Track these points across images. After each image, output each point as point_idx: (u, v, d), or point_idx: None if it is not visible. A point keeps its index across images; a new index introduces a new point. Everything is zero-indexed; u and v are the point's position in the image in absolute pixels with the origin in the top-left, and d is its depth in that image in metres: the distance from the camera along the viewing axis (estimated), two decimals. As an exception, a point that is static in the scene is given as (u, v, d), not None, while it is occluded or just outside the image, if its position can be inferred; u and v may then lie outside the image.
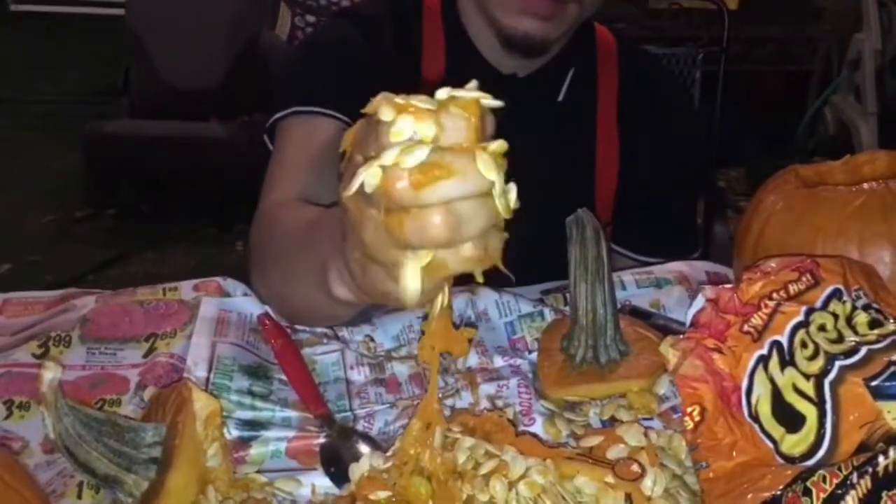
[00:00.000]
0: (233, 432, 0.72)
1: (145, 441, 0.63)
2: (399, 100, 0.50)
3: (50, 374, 0.58)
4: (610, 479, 0.61)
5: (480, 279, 0.53)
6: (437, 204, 0.48)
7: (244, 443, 0.71)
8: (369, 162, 0.49)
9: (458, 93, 0.51)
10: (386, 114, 0.49)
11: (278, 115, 1.03)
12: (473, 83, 0.52)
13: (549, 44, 1.02)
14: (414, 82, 1.06)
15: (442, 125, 0.49)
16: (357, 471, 0.64)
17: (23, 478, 0.57)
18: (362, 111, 0.53)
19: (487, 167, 0.49)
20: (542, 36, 1.00)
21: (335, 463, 0.68)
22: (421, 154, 0.47)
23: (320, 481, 0.67)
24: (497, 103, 0.52)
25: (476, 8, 1.04)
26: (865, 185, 0.77)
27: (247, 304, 0.87)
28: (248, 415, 0.74)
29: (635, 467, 0.62)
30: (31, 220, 3.28)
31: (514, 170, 1.16)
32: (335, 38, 1.08)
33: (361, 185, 0.49)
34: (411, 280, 0.50)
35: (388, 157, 0.48)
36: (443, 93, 0.51)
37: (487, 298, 0.88)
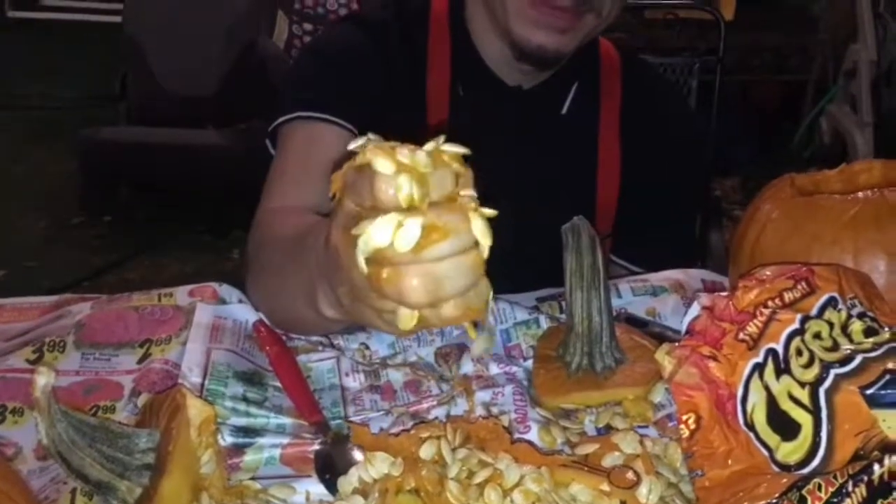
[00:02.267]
0: (227, 439, 0.71)
1: (139, 447, 0.63)
2: (388, 148, 0.50)
3: (43, 379, 0.58)
4: (605, 486, 0.61)
5: (473, 335, 0.54)
6: (417, 265, 0.48)
7: (238, 449, 0.71)
8: (363, 223, 0.49)
9: (445, 146, 0.52)
10: (382, 166, 0.49)
11: (282, 119, 1.03)
12: (441, 137, 0.53)
13: (563, 56, 1.02)
14: (418, 91, 1.06)
15: (432, 183, 0.50)
16: (346, 484, 0.64)
17: (15, 484, 0.56)
18: (349, 149, 0.52)
19: (483, 232, 0.50)
20: (555, 49, 0.99)
21: (330, 470, 0.68)
22: (415, 231, 0.48)
23: (315, 488, 0.67)
24: (464, 150, 0.53)
25: (487, 18, 1.03)
26: (861, 194, 0.78)
27: (242, 311, 0.87)
28: (242, 421, 0.73)
29: (630, 475, 0.62)
30: (27, 226, 3.28)
31: (516, 180, 1.17)
32: (340, 43, 1.08)
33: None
34: (401, 323, 0.51)
35: (383, 234, 0.48)
36: (430, 146, 0.52)
37: (483, 306, 0.88)
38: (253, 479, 0.68)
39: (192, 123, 3.21)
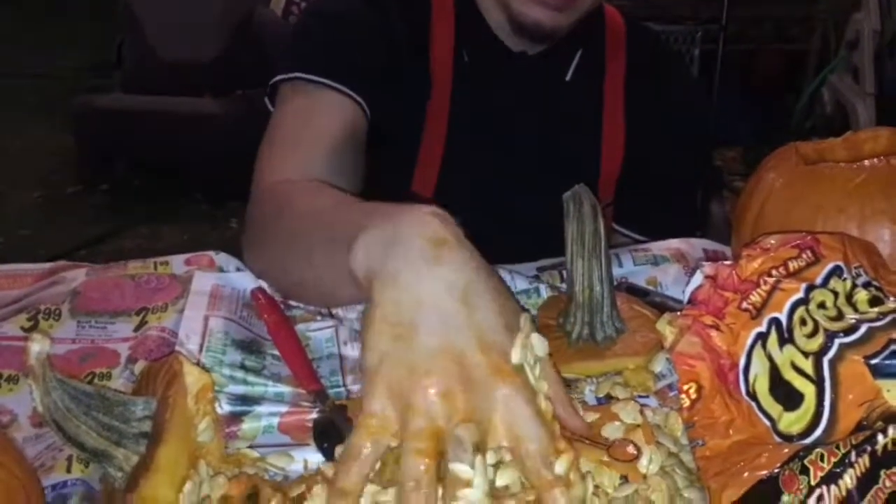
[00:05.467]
0: (224, 407, 0.71)
1: (135, 415, 0.62)
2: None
3: (37, 346, 0.57)
4: (605, 459, 0.61)
5: None
6: None
7: (236, 418, 0.70)
8: None
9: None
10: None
11: (282, 76, 1.01)
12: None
13: (560, 32, 1.01)
14: (422, 57, 1.05)
15: None
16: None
17: (10, 452, 0.56)
18: None
19: None
20: (552, 25, 0.99)
21: (328, 439, 0.67)
22: None
23: (313, 457, 0.66)
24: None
25: None
26: (866, 163, 0.77)
27: (240, 280, 0.86)
28: (240, 389, 0.73)
29: (631, 448, 0.61)
30: (23, 196, 3.26)
31: (519, 147, 1.16)
32: (344, 8, 1.06)
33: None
34: None
35: None
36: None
37: (483, 275, 0.87)
38: (251, 447, 0.68)
39: (189, 91, 3.18)
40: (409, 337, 0.56)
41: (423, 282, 0.58)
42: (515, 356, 0.57)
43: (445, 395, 0.54)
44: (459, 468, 0.54)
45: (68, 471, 0.63)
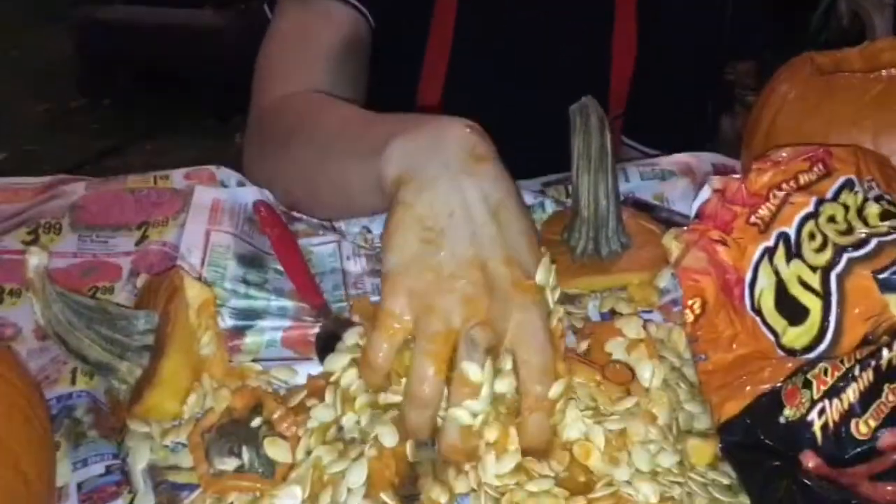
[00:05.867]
0: (227, 321, 0.71)
1: (137, 329, 0.63)
2: None
3: (35, 259, 0.57)
4: (598, 378, 0.60)
5: None
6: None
7: (239, 332, 0.70)
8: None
9: None
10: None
11: None
12: None
13: None
14: None
15: None
16: (337, 363, 0.63)
17: (13, 366, 0.56)
18: None
19: None
20: None
21: (330, 353, 0.67)
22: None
23: (316, 370, 0.66)
24: None
25: None
26: (883, 73, 0.74)
27: (242, 194, 0.85)
28: (242, 304, 0.73)
29: (625, 371, 0.61)
30: (27, 110, 3.23)
31: (529, 55, 1.13)
32: None
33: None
34: None
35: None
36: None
37: (487, 189, 0.86)
38: (254, 361, 0.68)
39: (190, 3, 3.11)
40: (438, 242, 0.57)
41: (460, 191, 0.59)
42: (540, 276, 0.59)
43: (468, 300, 0.56)
44: (468, 367, 0.55)
45: (73, 383, 0.64)
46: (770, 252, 0.61)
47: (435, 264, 0.57)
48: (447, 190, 0.59)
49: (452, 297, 0.56)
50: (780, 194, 0.62)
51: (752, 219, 0.63)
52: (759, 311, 0.61)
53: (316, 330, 0.71)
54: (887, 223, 0.59)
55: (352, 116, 0.79)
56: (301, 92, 0.90)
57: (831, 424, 0.51)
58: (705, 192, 0.67)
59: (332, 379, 0.62)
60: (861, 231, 0.59)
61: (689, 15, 1.09)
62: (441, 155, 0.61)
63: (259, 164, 0.90)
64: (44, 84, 3.39)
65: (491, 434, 0.56)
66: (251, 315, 0.72)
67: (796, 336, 0.58)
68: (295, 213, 0.84)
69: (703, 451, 0.58)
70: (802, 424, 0.52)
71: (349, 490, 0.55)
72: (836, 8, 3.61)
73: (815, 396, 0.52)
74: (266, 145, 0.90)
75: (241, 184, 0.87)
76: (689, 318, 0.64)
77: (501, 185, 0.60)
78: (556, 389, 0.56)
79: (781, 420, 0.53)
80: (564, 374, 0.58)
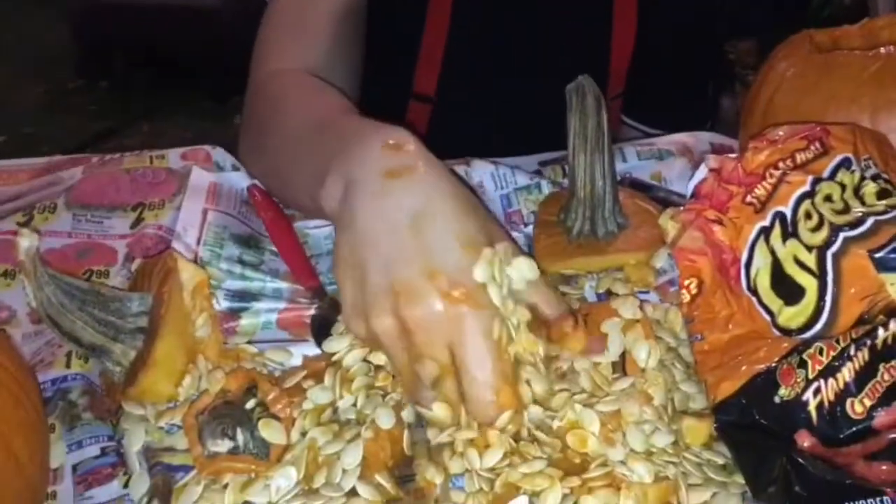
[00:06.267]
0: (222, 303, 0.71)
1: (131, 311, 0.62)
2: None
3: (26, 241, 0.56)
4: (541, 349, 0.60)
5: None
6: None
7: (234, 314, 0.70)
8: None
9: None
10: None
11: None
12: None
13: None
14: None
15: None
16: (338, 344, 0.63)
17: (4, 349, 0.56)
18: None
19: None
20: None
21: (326, 334, 0.67)
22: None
23: (311, 352, 0.66)
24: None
25: None
26: (883, 50, 0.73)
27: (237, 178, 0.85)
28: (238, 285, 0.72)
29: (568, 324, 0.60)
30: (25, 92, 3.22)
31: (528, 34, 1.11)
32: None
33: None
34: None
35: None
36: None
37: (483, 171, 0.86)
38: (249, 343, 0.68)
39: (187, -17, 3.09)
40: (362, 279, 0.56)
41: (371, 219, 0.57)
42: (477, 273, 0.55)
43: (397, 335, 0.55)
44: (425, 412, 0.57)
45: (68, 366, 0.64)
46: (766, 232, 0.61)
47: (364, 304, 0.56)
48: (359, 222, 0.57)
49: (383, 337, 0.56)
50: (777, 173, 0.62)
51: (749, 198, 0.62)
52: (755, 291, 0.61)
53: (311, 312, 0.71)
54: (884, 202, 0.59)
55: (309, 121, 0.76)
56: (286, 71, 0.90)
57: (826, 404, 0.51)
58: (701, 172, 0.66)
59: (335, 359, 0.62)
60: (858, 210, 0.58)
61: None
62: (352, 187, 0.59)
63: (245, 143, 0.89)
64: (41, 66, 3.37)
65: (470, 433, 0.56)
66: (246, 297, 0.72)
67: (792, 316, 0.58)
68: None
69: (698, 431, 0.58)
70: (798, 404, 0.52)
71: (344, 471, 0.55)
72: (839, -15, 3.58)
73: (811, 376, 0.52)
74: (250, 126, 0.89)
75: (235, 167, 0.86)
76: (686, 298, 0.63)
77: (418, 193, 0.57)
78: (502, 420, 0.56)
79: (777, 400, 0.53)
80: (510, 398, 0.56)
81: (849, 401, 0.50)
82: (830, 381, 0.51)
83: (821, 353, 0.53)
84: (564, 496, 0.53)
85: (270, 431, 0.56)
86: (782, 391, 0.53)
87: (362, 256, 0.56)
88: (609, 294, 0.71)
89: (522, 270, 0.58)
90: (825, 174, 0.61)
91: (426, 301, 0.54)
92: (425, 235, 0.56)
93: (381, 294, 0.55)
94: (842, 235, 0.57)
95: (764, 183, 0.62)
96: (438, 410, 0.57)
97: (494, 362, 0.55)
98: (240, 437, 0.56)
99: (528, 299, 0.59)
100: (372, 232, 0.57)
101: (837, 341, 0.53)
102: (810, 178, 0.61)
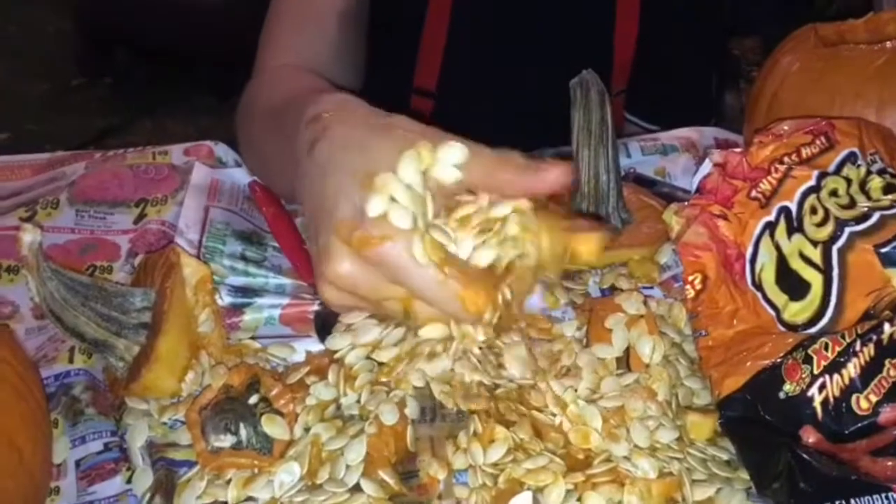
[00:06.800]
0: (225, 299, 0.70)
1: (134, 306, 0.62)
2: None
3: (29, 236, 0.56)
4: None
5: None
6: None
7: (237, 309, 0.70)
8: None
9: None
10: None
11: None
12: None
13: None
14: None
15: None
16: (341, 341, 0.63)
17: (7, 344, 0.56)
18: None
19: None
20: None
21: (329, 330, 0.67)
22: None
23: (314, 348, 0.66)
24: None
25: None
26: (888, 44, 0.73)
27: (239, 174, 0.85)
28: (240, 281, 0.72)
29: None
30: (28, 89, 3.21)
31: (531, 30, 1.11)
32: None
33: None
34: None
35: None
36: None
37: (487, 165, 0.85)
38: (252, 338, 0.68)
39: (189, -21, 3.08)
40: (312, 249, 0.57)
41: (305, 196, 0.58)
42: (372, 209, 0.51)
43: (347, 296, 0.54)
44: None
45: (71, 361, 0.64)
46: (771, 226, 0.61)
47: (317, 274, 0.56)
48: (303, 200, 0.58)
49: (344, 305, 0.57)
50: (782, 168, 0.62)
51: (754, 193, 0.62)
52: (759, 287, 0.61)
53: (315, 307, 0.70)
54: (890, 196, 0.58)
55: (283, 106, 0.75)
56: (283, 66, 0.90)
57: (832, 400, 0.51)
58: (706, 167, 0.66)
59: (337, 356, 0.62)
60: (863, 205, 0.58)
61: None
62: (298, 165, 0.59)
63: (241, 136, 0.89)
64: (43, 63, 3.37)
65: (476, 426, 0.56)
66: (249, 292, 0.72)
67: (797, 311, 0.58)
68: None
69: (702, 426, 0.58)
70: (803, 400, 0.52)
71: (347, 467, 0.55)
72: (844, -20, 3.57)
73: (816, 371, 0.52)
74: (243, 120, 0.89)
75: (237, 163, 0.86)
76: (690, 293, 0.63)
77: (326, 155, 0.56)
78: (486, 317, 0.53)
79: (781, 395, 0.53)
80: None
81: (854, 396, 0.50)
82: (836, 376, 0.51)
83: (826, 348, 0.52)
84: (568, 492, 0.52)
85: (273, 427, 0.56)
86: (787, 387, 0.53)
87: (307, 235, 0.57)
88: (613, 289, 0.71)
89: (448, 160, 0.53)
90: (831, 169, 0.61)
91: (338, 260, 0.53)
92: (330, 192, 0.54)
93: (316, 266, 0.55)
94: (847, 230, 0.57)
95: (769, 178, 0.62)
96: (429, 331, 0.56)
97: (439, 279, 0.51)
98: (243, 432, 0.56)
99: (475, 180, 0.54)
100: (308, 208, 0.57)
101: (843, 336, 0.52)
102: (816, 172, 0.60)
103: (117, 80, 3.29)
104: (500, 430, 0.55)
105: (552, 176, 0.54)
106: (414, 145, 0.52)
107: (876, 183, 0.59)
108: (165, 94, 3.14)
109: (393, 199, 0.51)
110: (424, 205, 0.52)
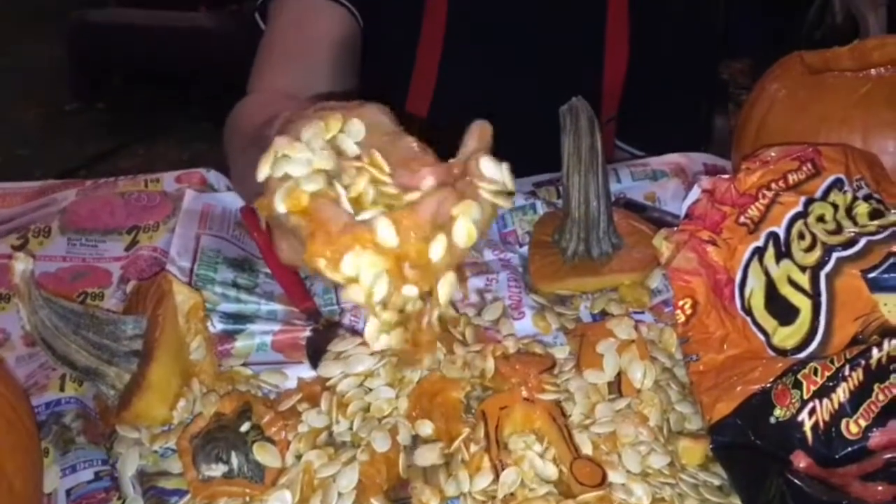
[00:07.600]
0: (217, 325, 0.70)
1: (126, 334, 0.62)
2: None
3: (21, 265, 0.56)
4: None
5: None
6: None
7: (229, 336, 0.70)
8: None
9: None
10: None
11: None
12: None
13: None
14: None
15: None
16: (332, 369, 0.63)
17: (0, 375, 0.56)
18: None
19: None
20: None
21: (321, 356, 0.67)
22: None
23: (306, 374, 0.66)
24: None
25: None
26: (873, 72, 0.74)
27: (231, 198, 0.85)
28: (232, 308, 0.72)
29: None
30: (20, 113, 3.22)
31: (520, 57, 1.11)
32: None
33: None
34: None
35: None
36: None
37: (478, 191, 0.86)
38: (244, 365, 0.68)
39: (183, 5, 3.11)
40: None
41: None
42: (259, 173, 0.51)
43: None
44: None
45: (62, 389, 0.63)
46: (760, 252, 0.61)
47: None
48: None
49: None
50: (770, 194, 0.62)
51: (742, 219, 0.63)
52: (749, 312, 0.61)
53: (306, 334, 0.70)
54: (876, 222, 0.59)
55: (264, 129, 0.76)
56: (267, 90, 0.90)
57: (822, 424, 0.51)
58: (695, 193, 0.67)
59: (329, 384, 0.62)
60: (850, 230, 0.59)
61: (682, 15, 1.08)
62: None
63: (228, 159, 0.90)
64: (37, 88, 3.38)
65: (463, 454, 0.56)
66: (241, 319, 0.72)
67: (787, 336, 0.58)
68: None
69: (694, 451, 0.58)
70: (793, 424, 0.52)
71: (339, 494, 0.54)
72: (831, 6, 3.60)
73: (806, 396, 0.52)
74: (226, 134, 0.90)
75: (229, 188, 0.87)
76: (681, 318, 0.63)
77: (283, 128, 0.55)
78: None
79: (772, 420, 0.53)
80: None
81: (844, 421, 0.51)
82: (825, 401, 0.52)
83: (815, 373, 0.53)
84: (561, 519, 0.52)
85: (265, 455, 0.56)
86: (777, 411, 0.53)
87: None
88: (604, 314, 0.71)
89: (352, 134, 0.53)
90: (817, 194, 0.62)
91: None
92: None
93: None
94: (835, 256, 0.57)
95: (757, 203, 0.62)
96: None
97: (344, 220, 0.49)
98: (234, 460, 0.56)
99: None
100: None
101: (832, 361, 0.53)
102: (803, 198, 0.61)
103: (111, 105, 3.29)
104: (486, 458, 0.55)
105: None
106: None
107: (862, 209, 0.60)
108: (158, 119, 3.15)
109: (286, 156, 0.51)
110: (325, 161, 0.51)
